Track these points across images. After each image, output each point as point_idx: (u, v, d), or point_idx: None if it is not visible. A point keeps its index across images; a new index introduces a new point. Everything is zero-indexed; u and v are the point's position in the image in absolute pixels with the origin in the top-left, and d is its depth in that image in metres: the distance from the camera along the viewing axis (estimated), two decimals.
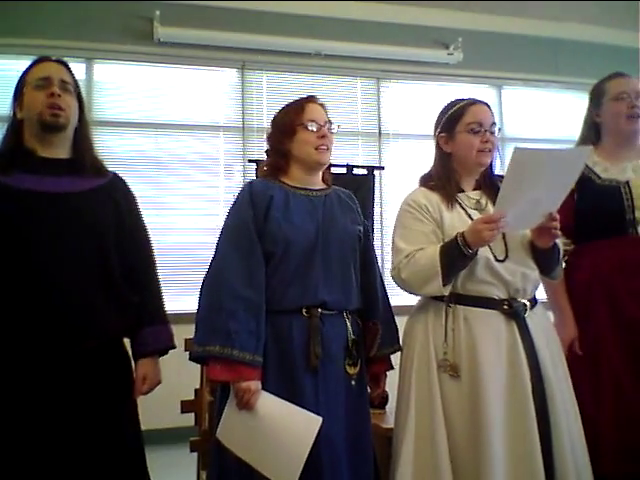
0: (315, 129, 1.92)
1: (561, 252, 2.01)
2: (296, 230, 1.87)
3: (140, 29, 4.37)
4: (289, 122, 1.94)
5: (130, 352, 1.93)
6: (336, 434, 1.82)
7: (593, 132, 2.37)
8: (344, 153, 4.61)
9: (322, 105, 2.00)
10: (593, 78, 2.45)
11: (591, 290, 2.24)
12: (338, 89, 4.78)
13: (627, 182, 2.23)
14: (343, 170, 4.18)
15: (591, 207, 2.24)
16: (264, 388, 1.78)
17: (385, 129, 4.83)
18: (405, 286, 1.94)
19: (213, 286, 1.83)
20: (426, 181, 2.04)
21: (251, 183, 1.98)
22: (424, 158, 2.21)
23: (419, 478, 1.83)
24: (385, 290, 2.08)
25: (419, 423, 1.86)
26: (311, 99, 1.99)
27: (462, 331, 1.86)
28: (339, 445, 1.82)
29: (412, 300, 2.08)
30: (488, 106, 2.03)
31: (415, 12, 4.77)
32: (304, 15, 4.59)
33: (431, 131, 2.11)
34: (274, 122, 2.01)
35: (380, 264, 4.32)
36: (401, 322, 2.05)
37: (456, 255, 1.81)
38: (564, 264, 2.20)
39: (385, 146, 4.82)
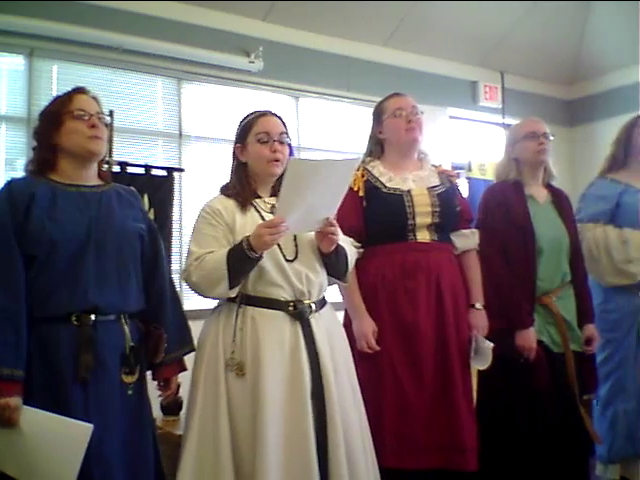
0: (84, 117, 1.83)
1: (350, 257, 2.15)
2: (63, 229, 1.76)
3: None
4: (56, 112, 1.84)
5: None
6: (109, 449, 1.74)
7: (378, 147, 2.58)
8: (143, 153, 4.48)
9: (95, 98, 1.93)
10: (379, 96, 2.69)
11: (376, 292, 2.39)
12: (137, 86, 4.60)
13: (409, 191, 2.45)
14: (141, 170, 4.06)
15: (378, 213, 2.42)
16: (29, 402, 1.67)
17: (186, 131, 4.76)
18: (195, 289, 1.97)
19: None
20: (225, 190, 2.10)
21: (10, 182, 1.83)
22: (224, 161, 2.26)
23: (200, 476, 1.85)
24: (175, 292, 2.05)
25: (203, 422, 1.89)
26: (80, 90, 1.92)
27: (249, 331, 1.93)
28: (113, 461, 1.74)
29: (211, 304, 2.09)
30: (278, 117, 2.13)
31: (219, 17, 4.78)
32: (103, 6, 4.35)
33: (231, 135, 2.17)
34: (41, 114, 1.89)
35: (179, 266, 4.25)
36: (199, 325, 2.05)
37: (242, 258, 1.87)
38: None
39: (185, 148, 4.76)
